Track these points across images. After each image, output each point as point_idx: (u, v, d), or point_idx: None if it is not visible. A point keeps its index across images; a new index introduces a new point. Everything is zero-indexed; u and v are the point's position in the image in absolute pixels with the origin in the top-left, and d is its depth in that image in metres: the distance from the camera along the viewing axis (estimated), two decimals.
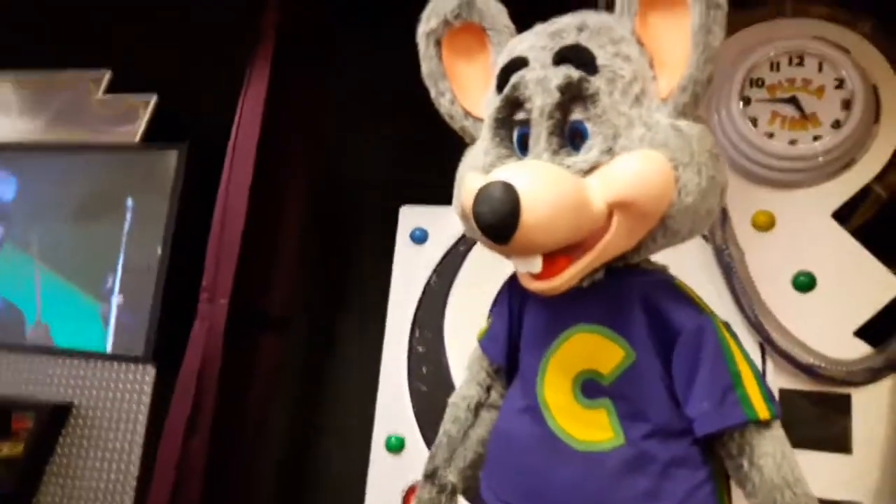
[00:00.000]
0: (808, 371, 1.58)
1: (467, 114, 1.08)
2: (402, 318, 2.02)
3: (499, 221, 0.81)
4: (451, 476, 1.12)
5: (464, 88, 1.09)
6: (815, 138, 1.66)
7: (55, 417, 2.42)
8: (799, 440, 0.96)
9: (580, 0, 1.12)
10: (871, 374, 1.56)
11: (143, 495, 2.24)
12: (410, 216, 2.08)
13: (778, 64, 1.73)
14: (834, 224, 1.66)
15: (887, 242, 1.65)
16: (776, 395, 1.07)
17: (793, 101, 1.70)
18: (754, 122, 1.71)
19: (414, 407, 1.95)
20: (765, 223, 1.69)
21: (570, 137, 0.90)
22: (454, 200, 1.03)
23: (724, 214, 1.68)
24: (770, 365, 1.65)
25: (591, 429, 0.93)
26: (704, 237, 1.69)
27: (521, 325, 1.07)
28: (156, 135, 2.62)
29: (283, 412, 2.52)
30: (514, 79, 0.94)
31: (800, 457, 0.89)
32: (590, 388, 0.95)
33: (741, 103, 1.73)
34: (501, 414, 1.08)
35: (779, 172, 1.68)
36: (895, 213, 1.69)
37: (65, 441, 2.42)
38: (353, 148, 2.57)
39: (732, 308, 1.65)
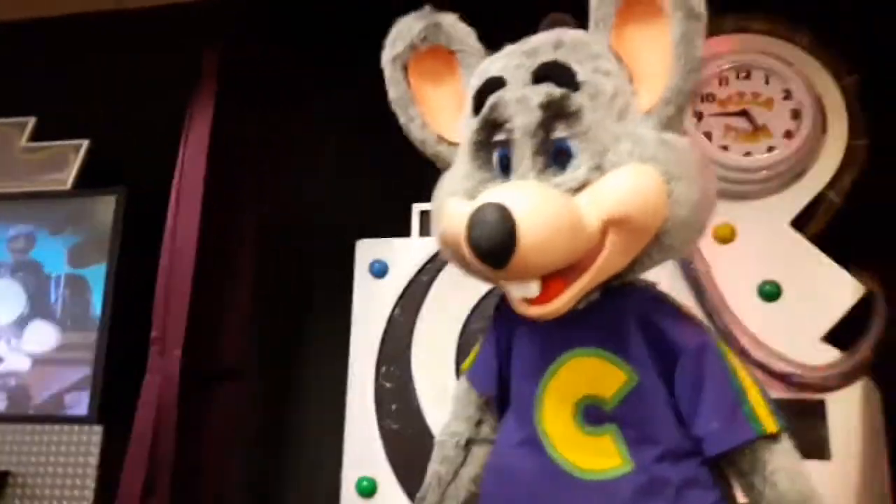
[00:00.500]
0: (784, 379, 1.59)
1: (440, 139, 1.04)
2: (366, 355, 1.95)
3: (496, 245, 0.78)
4: None
5: (433, 113, 1.05)
6: (769, 149, 1.70)
7: None
8: None
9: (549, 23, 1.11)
10: (844, 379, 1.58)
11: None
12: (368, 249, 2.03)
13: (727, 79, 1.77)
14: (793, 232, 1.70)
15: (845, 247, 1.69)
16: None
17: (744, 114, 1.74)
18: (709, 136, 1.74)
19: (385, 447, 1.88)
20: (726, 236, 1.72)
21: (555, 156, 0.87)
22: (433, 229, 0.99)
23: None
24: None
25: (596, 457, 0.89)
26: None
27: (510, 354, 1.02)
28: (90, 182, 2.49)
29: (246, 464, 2.39)
30: (491, 99, 0.90)
31: None
32: (592, 414, 0.91)
33: (695, 119, 1.75)
34: (496, 448, 1.03)
35: (736, 184, 1.71)
36: (850, 219, 1.73)
37: None
38: (306, 184, 2.50)
39: (703, 322, 1.64)
